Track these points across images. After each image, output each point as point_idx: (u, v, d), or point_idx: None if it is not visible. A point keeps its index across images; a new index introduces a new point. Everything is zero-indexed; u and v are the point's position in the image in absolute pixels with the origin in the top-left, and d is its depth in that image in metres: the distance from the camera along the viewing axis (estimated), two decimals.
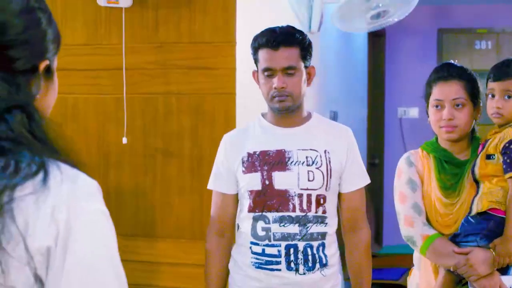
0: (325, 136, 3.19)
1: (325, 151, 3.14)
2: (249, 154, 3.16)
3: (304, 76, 3.14)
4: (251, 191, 3.13)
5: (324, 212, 3.11)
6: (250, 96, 4.15)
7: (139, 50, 4.20)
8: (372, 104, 8.34)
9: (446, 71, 3.14)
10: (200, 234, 4.06)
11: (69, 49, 4.23)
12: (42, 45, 1.43)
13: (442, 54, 8.66)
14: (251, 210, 3.14)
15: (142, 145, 4.21)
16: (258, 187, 3.11)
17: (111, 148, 4.25)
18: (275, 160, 3.11)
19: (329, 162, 3.13)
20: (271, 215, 3.09)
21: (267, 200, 3.10)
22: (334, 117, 6.27)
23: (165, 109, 4.18)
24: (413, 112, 8.30)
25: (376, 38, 8.46)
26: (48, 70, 1.45)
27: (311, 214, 3.09)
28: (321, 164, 3.12)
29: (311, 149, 3.13)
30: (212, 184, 3.29)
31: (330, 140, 3.18)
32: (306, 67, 3.15)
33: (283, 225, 3.07)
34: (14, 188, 1.26)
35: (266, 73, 3.11)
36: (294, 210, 3.07)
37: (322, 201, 3.11)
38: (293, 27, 3.17)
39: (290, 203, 3.08)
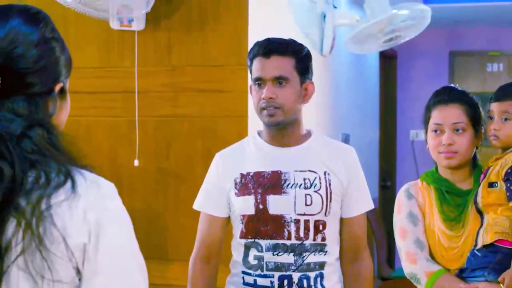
0: (325, 156, 2.90)
1: (324, 173, 2.86)
2: (242, 175, 2.88)
3: (299, 91, 2.86)
4: (243, 216, 2.86)
5: (323, 239, 2.84)
6: None
7: (152, 73, 4.22)
8: (384, 127, 8.34)
9: (446, 95, 3.00)
10: None
11: (82, 72, 4.25)
12: (56, 70, 1.63)
13: (454, 77, 8.66)
14: (243, 236, 2.87)
15: (154, 168, 4.22)
16: (251, 211, 2.83)
17: (123, 170, 4.26)
18: (270, 182, 2.84)
19: (329, 184, 2.85)
20: (264, 243, 2.82)
21: (261, 226, 2.82)
22: (346, 139, 6.27)
23: (177, 131, 4.18)
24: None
25: (388, 61, 8.47)
26: (62, 91, 1.65)
27: (308, 242, 2.81)
28: (320, 186, 2.83)
29: (309, 171, 2.85)
30: (199, 205, 3.02)
31: (330, 161, 2.89)
32: (302, 82, 2.88)
33: (277, 254, 2.81)
34: (50, 197, 1.49)
35: (257, 83, 2.87)
36: (289, 238, 2.80)
37: (321, 227, 2.83)
38: (292, 40, 2.94)
39: (285, 229, 2.80)
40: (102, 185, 1.58)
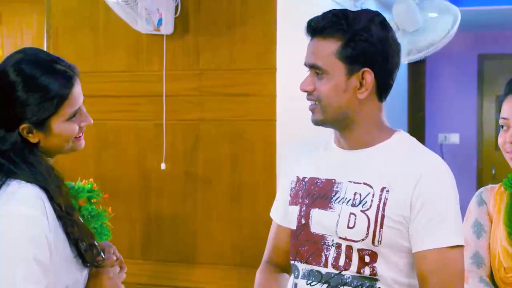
0: (393, 166, 2.16)
1: (382, 189, 2.13)
2: (298, 179, 2.31)
3: (343, 83, 2.15)
4: (291, 230, 2.30)
5: (373, 274, 2.12)
6: (290, 122, 4.15)
7: (180, 77, 4.23)
8: (413, 130, 8.29)
9: None
10: (240, 260, 4.06)
11: (111, 75, 4.27)
12: (16, 114, 2.02)
13: (482, 80, 8.60)
14: (291, 255, 2.31)
15: (182, 171, 4.23)
16: (294, 225, 2.26)
17: (151, 174, 4.27)
18: (320, 193, 2.22)
19: (384, 204, 2.11)
20: (301, 267, 2.23)
21: (299, 245, 2.24)
22: None
23: (205, 135, 4.19)
24: (454, 138, 8.23)
25: (416, 65, 8.43)
26: (36, 127, 2.03)
27: (349, 273, 2.14)
28: (370, 206, 2.12)
29: (364, 183, 2.15)
30: (272, 211, 2.45)
31: (397, 173, 2.13)
32: (353, 71, 2.15)
33: (310, 284, 2.20)
34: None
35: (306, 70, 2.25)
36: (325, 265, 2.17)
37: (368, 258, 2.13)
38: (356, 12, 2.19)
39: (323, 254, 2.18)
40: (16, 195, 1.96)
